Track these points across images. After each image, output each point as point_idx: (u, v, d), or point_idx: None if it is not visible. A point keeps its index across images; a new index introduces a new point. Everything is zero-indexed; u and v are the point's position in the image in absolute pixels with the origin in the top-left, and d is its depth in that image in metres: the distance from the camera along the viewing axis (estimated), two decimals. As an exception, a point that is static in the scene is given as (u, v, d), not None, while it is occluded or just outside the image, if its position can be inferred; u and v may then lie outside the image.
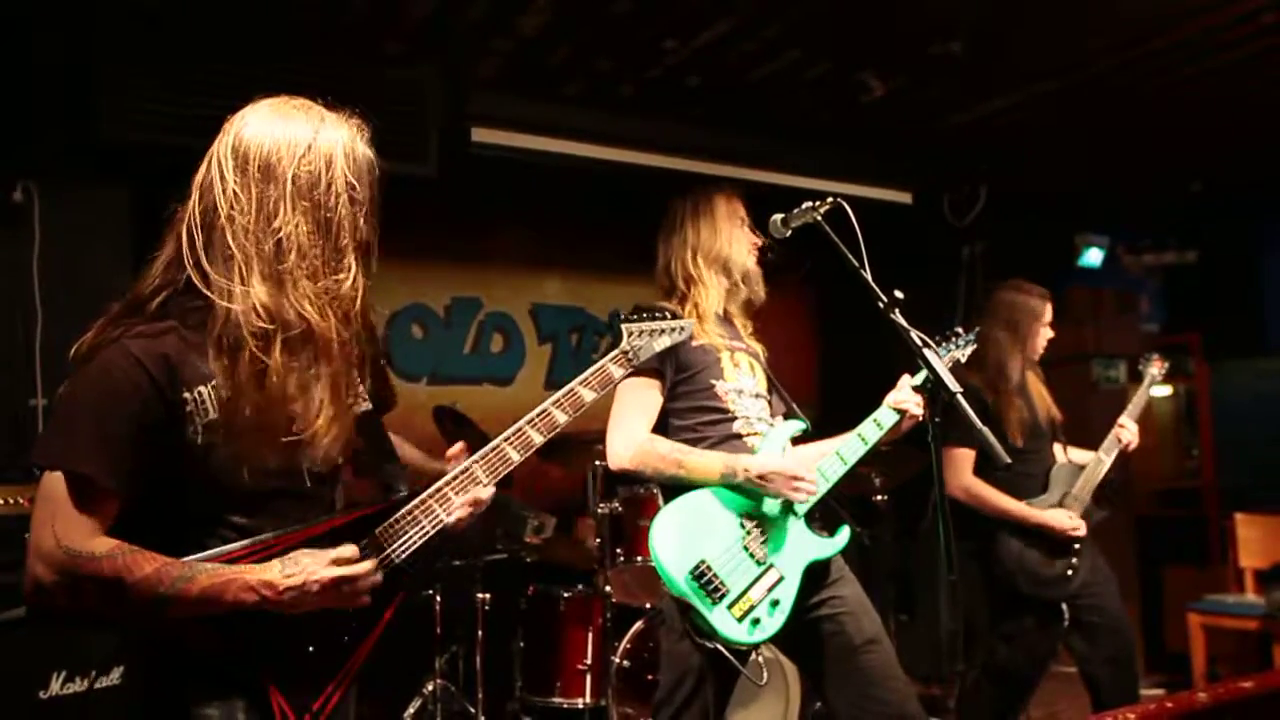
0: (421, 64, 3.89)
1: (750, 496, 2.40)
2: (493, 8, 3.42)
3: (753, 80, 4.12)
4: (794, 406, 2.70)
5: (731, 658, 2.29)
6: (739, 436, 2.51)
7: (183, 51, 3.51)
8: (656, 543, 2.28)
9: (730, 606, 2.27)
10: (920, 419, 2.54)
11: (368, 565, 1.52)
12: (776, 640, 2.39)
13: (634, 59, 3.93)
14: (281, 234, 1.47)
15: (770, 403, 2.66)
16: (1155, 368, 3.66)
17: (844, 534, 2.49)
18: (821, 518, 2.52)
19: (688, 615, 2.29)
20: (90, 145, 3.47)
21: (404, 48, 3.75)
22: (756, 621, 2.29)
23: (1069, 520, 3.36)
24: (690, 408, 2.54)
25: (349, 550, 1.51)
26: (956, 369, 3.56)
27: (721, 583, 2.28)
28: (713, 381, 2.53)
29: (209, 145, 1.54)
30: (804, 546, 2.43)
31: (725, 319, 2.68)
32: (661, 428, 2.55)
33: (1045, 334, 3.57)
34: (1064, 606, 3.40)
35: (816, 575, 2.46)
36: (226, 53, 3.53)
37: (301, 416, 1.49)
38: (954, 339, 2.85)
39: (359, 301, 1.53)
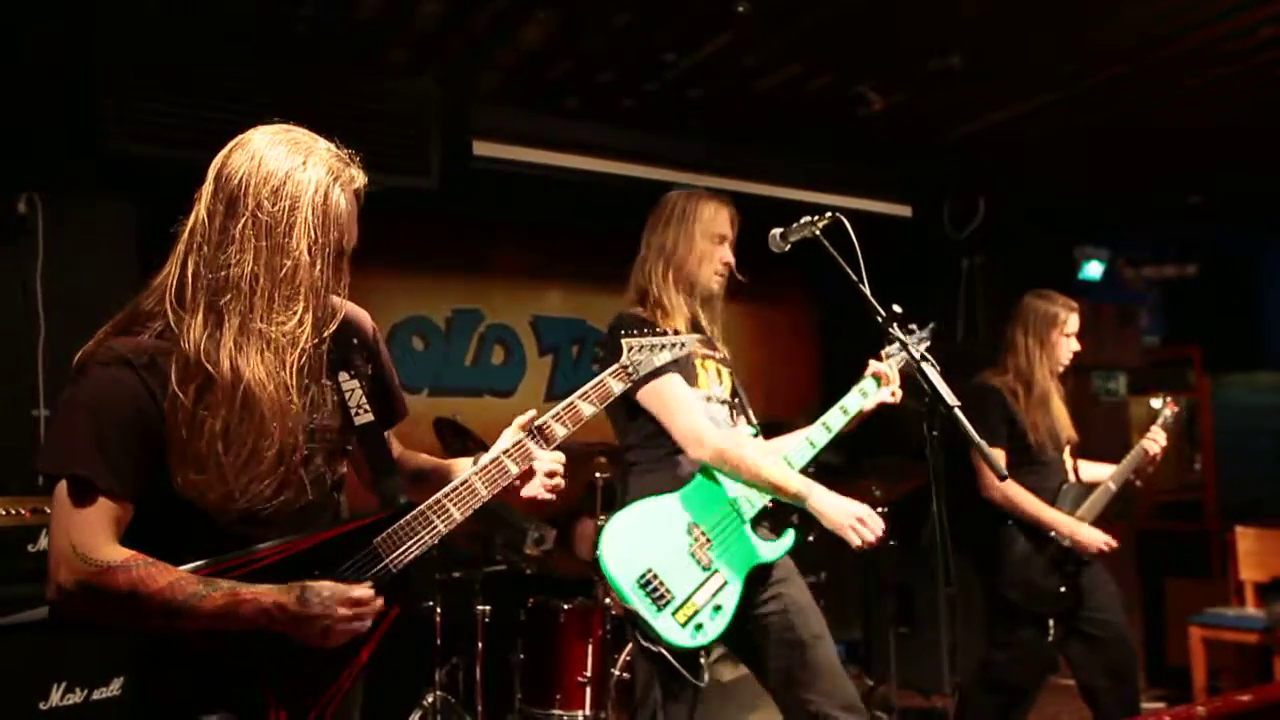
0: (424, 77, 3.91)
1: (700, 504, 2.48)
2: (495, 21, 3.44)
3: (753, 93, 4.13)
4: (750, 414, 2.74)
5: (675, 662, 2.37)
6: None
7: (186, 63, 3.52)
8: (605, 553, 2.36)
9: (675, 612, 2.35)
10: (897, 397, 2.65)
11: (379, 606, 1.53)
12: (727, 641, 2.48)
13: (635, 72, 3.95)
14: (227, 270, 1.46)
15: (732, 408, 2.70)
16: (1169, 410, 3.64)
17: (789, 536, 2.58)
18: (769, 521, 2.61)
19: (635, 622, 2.37)
20: (94, 156, 3.48)
21: (407, 60, 3.77)
22: (700, 626, 2.37)
23: (1101, 539, 3.33)
24: None
25: (365, 591, 1.51)
26: (985, 369, 3.60)
27: (667, 589, 2.36)
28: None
29: (212, 156, 1.53)
30: (749, 551, 2.51)
31: (697, 325, 2.71)
32: (639, 430, 2.59)
33: (1069, 345, 3.54)
34: (1051, 623, 3.39)
35: (762, 575, 2.54)
36: (231, 63, 3.55)
37: (229, 460, 1.45)
38: (912, 333, 2.75)
39: (299, 347, 1.49)
